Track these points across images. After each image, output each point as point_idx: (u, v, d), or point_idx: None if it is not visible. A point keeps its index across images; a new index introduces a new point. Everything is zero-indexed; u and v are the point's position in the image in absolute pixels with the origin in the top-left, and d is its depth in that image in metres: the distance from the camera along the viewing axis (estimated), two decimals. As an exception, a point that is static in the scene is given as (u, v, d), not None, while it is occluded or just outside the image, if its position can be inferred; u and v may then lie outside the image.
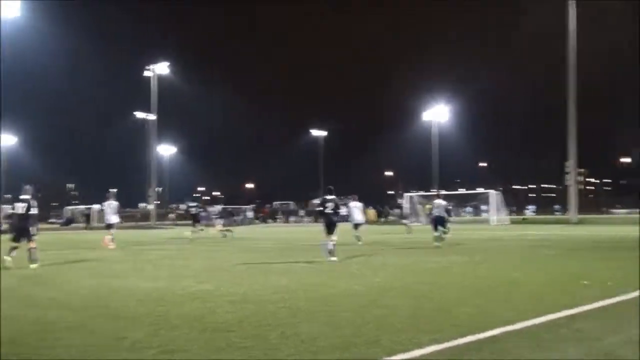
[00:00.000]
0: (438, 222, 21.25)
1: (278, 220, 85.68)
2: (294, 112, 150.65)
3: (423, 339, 6.11)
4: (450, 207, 27.89)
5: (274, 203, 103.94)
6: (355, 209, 25.63)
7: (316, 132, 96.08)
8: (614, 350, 5.71)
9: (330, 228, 16.14)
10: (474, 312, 7.74)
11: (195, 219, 30.45)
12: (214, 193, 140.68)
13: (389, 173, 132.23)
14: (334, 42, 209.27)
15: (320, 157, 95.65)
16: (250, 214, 78.28)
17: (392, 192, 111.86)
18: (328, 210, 16.29)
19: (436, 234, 21.08)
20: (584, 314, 7.53)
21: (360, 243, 22.99)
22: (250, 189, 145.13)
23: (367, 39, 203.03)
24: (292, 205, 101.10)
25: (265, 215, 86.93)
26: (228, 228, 33.86)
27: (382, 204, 77.72)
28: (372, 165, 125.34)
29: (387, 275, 12.27)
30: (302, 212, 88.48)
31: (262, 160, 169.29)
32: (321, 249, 16.93)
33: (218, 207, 35.83)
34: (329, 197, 16.74)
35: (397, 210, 65.71)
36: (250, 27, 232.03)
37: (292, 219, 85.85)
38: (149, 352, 5.82)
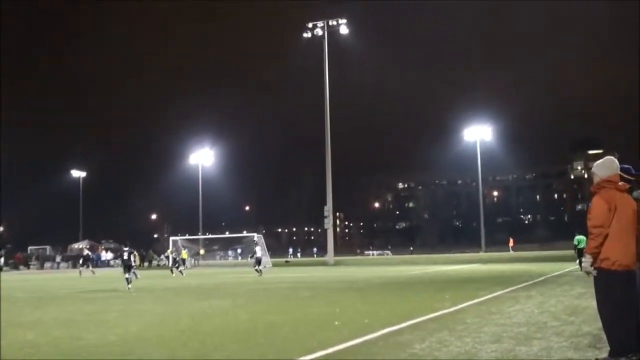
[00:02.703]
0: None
1: (32, 266, 79.15)
2: (49, 149, 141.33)
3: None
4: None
5: (30, 248, 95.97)
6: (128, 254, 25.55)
7: (76, 173, 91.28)
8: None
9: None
10: (231, 357, 7.70)
11: None
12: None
13: (154, 216, 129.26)
14: (94, 76, 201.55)
15: (80, 198, 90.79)
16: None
17: (157, 236, 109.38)
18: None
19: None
20: (333, 354, 7.82)
21: (129, 288, 22.25)
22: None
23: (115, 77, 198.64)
24: (49, 250, 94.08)
25: (17, 262, 79.79)
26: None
27: (147, 247, 75.61)
28: (137, 208, 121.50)
29: (145, 323, 11.82)
30: (58, 258, 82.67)
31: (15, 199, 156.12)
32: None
33: None
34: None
35: (163, 256, 64.23)
36: None
37: (47, 264, 79.79)
38: None
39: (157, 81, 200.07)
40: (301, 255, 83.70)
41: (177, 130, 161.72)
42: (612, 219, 5.80)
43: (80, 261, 43.18)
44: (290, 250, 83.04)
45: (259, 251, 34.66)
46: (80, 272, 39.22)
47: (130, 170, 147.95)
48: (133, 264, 25.40)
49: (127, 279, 23.44)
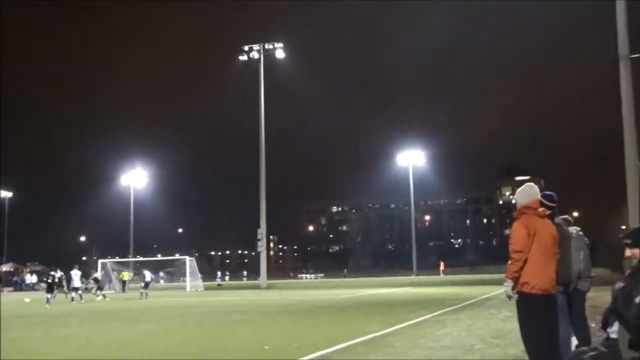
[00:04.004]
0: None
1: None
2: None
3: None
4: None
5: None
6: (76, 275, 32.19)
7: (2, 193, 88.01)
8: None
9: None
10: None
11: None
12: None
13: (82, 238, 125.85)
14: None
15: (4, 219, 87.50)
16: None
17: (85, 258, 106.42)
18: None
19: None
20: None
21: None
22: None
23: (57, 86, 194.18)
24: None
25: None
26: None
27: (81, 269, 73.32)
28: (65, 230, 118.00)
29: (70, 348, 11.47)
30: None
31: None
32: None
33: None
34: None
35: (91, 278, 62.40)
36: None
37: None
38: None
39: (88, 100, 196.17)
40: (229, 279, 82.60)
41: (108, 152, 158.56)
42: (532, 244, 5.98)
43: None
44: (219, 273, 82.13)
45: (147, 275, 38.03)
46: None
47: (58, 191, 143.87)
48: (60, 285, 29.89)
49: (48, 298, 27.00)
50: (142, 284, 36.86)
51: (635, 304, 4.22)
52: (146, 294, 35.19)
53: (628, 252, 5.04)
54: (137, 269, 57.40)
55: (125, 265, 59.34)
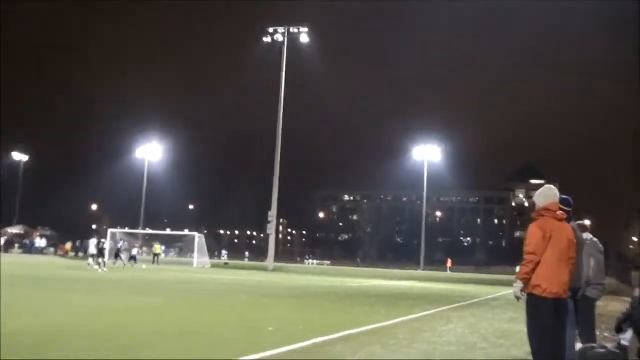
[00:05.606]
0: None
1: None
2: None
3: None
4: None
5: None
6: (92, 244, 33.17)
7: (17, 156, 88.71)
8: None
9: None
10: (160, 356, 7.60)
11: None
12: None
13: (94, 207, 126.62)
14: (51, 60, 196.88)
15: (18, 182, 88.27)
16: None
17: (95, 227, 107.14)
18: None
19: None
20: None
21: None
22: None
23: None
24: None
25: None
26: None
27: (84, 238, 73.84)
28: (78, 198, 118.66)
29: (72, 314, 11.55)
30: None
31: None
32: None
33: None
34: None
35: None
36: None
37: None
38: None
39: (110, 72, 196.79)
40: (230, 258, 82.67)
41: (125, 124, 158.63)
42: (547, 247, 5.93)
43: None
44: (224, 252, 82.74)
45: (123, 246, 39.30)
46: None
47: (74, 159, 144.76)
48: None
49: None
50: (128, 256, 36.51)
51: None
52: (131, 265, 34.78)
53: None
54: (146, 241, 57.80)
55: (134, 236, 59.71)
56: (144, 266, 41.90)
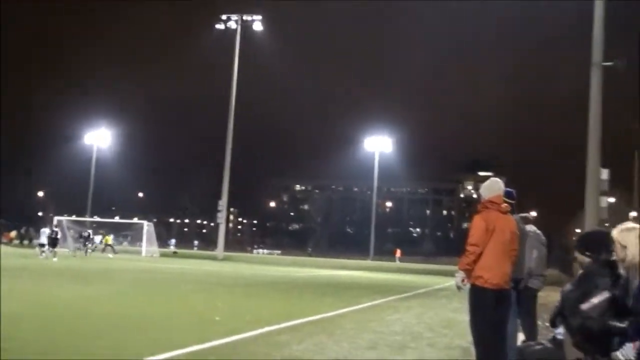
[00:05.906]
0: None
1: None
2: None
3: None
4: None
5: None
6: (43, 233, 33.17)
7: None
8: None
9: None
10: (110, 345, 7.54)
11: None
12: None
13: (40, 194, 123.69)
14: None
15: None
16: None
17: (41, 214, 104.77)
18: None
19: None
20: (209, 349, 7.77)
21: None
22: None
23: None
24: None
25: None
26: None
27: (34, 225, 72.11)
28: (23, 184, 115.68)
29: (19, 303, 11.29)
30: None
31: None
32: None
33: None
34: None
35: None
36: None
37: None
38: None
39: (62, 56, 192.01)
40: (178, 247, 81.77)
41: (73, 109, 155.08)
42: (490, 238, 6.05)
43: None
44: (173, 241, 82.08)
45: (43, 236, 34.59)
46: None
47: (20, 145, 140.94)
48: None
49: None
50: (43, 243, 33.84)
51: (580, 312, 4.29)
52: (54, 253, 32.64)
53: (577, 256, 5.10)
54: (94, 229, 56.78)
55: (81, 224, 58.61)
56: (110, 255, 42.32)
